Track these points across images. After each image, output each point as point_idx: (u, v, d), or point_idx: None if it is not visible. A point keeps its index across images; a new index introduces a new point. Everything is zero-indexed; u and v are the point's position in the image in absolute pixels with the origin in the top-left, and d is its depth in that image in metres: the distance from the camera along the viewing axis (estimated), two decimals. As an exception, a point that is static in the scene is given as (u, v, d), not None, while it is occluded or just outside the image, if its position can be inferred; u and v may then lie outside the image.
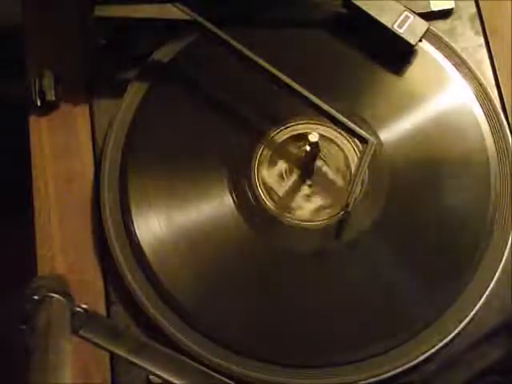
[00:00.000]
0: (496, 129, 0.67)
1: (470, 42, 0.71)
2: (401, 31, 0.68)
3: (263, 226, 0.65)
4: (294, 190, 0.66)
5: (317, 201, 0.65)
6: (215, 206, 0.65)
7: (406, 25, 0.68)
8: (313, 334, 0.62)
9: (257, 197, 0.65)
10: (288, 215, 0.65)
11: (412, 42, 0.68)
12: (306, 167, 0.66)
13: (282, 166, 0.66)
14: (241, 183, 0.66)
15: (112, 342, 0.52)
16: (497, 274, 0.63)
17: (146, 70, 0.69)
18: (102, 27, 0.68)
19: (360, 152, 0.65)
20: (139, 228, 0.64)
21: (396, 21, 0.68)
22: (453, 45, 0.70)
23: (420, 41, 0.68)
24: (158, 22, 0.68)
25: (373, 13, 0.68)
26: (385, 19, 0.68)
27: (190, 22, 0.67)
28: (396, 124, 0.67)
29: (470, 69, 0.69)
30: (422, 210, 0.65)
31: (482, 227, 0.64)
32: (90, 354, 0.60)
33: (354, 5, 0.69)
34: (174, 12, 0.67)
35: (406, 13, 0.68)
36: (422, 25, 0.68)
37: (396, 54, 0.69)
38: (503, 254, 0.63)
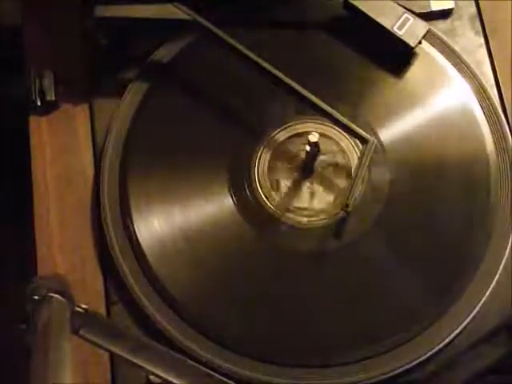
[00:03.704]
0: (496, 128, 0.67)
1: (470, 42, 0.71)
2: (400, 33, 0.67)
3: (263, 226, 0.65)
4: (294, 190, 0.66)
5: (317, 201, 0.65)
6: (215, 206, 0.65)
7: (406, 27, 0.67)
8: (313, 333, 0.62)
9: (257, 197, 0.65)
10: (288, 215, 0.65)
11: (412, 44, 0.67)
12: (306, 167, 0.66)
13: (281, 165, 0.66)
14: (241, 183, 0.66)
15: (112, 342, 0.52)
16: (497, 274, 0.63)
17: (145, 70, 0.69)
18: (101, 27, 0.68)
19: (360, 152, 0.65)
20: (139, 228, 0.64)
21: (396, 23, 0.68)
22: (453, 45, 0.70)
23: (420, 43, 0.68)
24: (158, 22, 0.68)
25: (372, 14, 0.68)
26: (384, 21, 0.68)
27: (190, 22, 0.67)
28: (396, 124, 0.67)
29: (470, 69, 0.69)
30: (421, 209, 0.65)
31: (482, 227, 0.64)
32: (89, 354, 0.60)
33: (354, 6, 0.69)
34: (174, 12, 0.67)
35: (405, 15, 0.68)
36: (421, 27, 0.68)
37: (396, 54, 0.69)
38: (503, 254, 0.63)
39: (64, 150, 0.68)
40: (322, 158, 0.66)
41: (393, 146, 0.66)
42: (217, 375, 0.54)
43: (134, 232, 0.64)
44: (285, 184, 0.66)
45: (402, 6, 0.69)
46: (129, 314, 0.63)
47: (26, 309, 0.51)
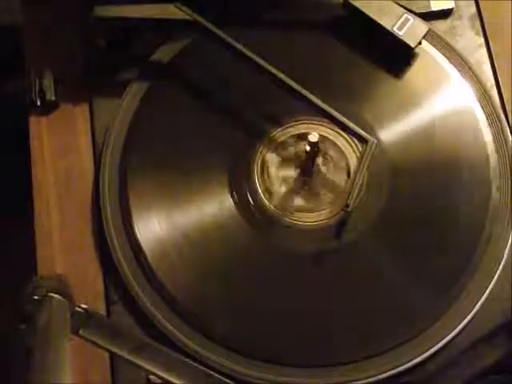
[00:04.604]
0: (496, 129, 0.67)
1: (470, 42, 0.71)
2: (400, 34, 0.67)
3: (263, 226, 0.65)
4: (294, 190, 0.66)
5: (317, 201, 0.65)
6: (215, 206, 0.65)
7: (406, 27, 0.67)
8: (313, 333, 0.62)
9: (257, 197, 0.65)
10: (288, 215, 0.65)
11: (412, 44, 0.67)
12: (306, 167, 0.66)
13: (281, 166, 0.66)
14: (241, 183, 0.66)
15: (112, 342, 0.52)
16: (497, 274, 0.63)
17: (146, 70, 0.69)
18: (102, 27, 0.68)
19: (360, 152, 0.65)
20: (139, 228, 0.64)
21: (396, 23, 0.68)
22: (453, 45, 0.70)
23: (420, 43, 0.68)
24: (158, 22, 0.68)
25: (372, 15, 0.68)
26: (384, 21, 0.68)
27: (190, 22, 0.67)
28: (396, 124, 0.67)
29: (470, 69, 0.69)
30: (421, 209, 0.65)
31: (482, 227, 0.64)
32: (90, 354, 0.60)
33: (354, 6, 0.69)
34: (174, 12, 0.67)
35: (405, 15, 0.68)
36: (421, 27, 0.68)
37: (396, 54, 0.69)
38: (503, 254, 0.63)
39: (64, 150, 0.68)
40: (321, 158, 0.66)
41: (393, 146, 0.66)
42: (217, 375, 0.54)
43: (134, 232, 0.64)
44: (285, 184, 0.66)
45: (402, 6, 0.69)
46: (129, 314, 0.63)
47: (25, 309, 0.51)
